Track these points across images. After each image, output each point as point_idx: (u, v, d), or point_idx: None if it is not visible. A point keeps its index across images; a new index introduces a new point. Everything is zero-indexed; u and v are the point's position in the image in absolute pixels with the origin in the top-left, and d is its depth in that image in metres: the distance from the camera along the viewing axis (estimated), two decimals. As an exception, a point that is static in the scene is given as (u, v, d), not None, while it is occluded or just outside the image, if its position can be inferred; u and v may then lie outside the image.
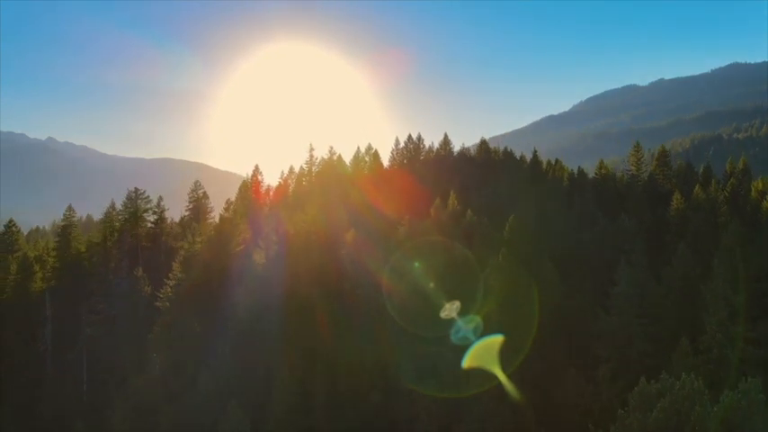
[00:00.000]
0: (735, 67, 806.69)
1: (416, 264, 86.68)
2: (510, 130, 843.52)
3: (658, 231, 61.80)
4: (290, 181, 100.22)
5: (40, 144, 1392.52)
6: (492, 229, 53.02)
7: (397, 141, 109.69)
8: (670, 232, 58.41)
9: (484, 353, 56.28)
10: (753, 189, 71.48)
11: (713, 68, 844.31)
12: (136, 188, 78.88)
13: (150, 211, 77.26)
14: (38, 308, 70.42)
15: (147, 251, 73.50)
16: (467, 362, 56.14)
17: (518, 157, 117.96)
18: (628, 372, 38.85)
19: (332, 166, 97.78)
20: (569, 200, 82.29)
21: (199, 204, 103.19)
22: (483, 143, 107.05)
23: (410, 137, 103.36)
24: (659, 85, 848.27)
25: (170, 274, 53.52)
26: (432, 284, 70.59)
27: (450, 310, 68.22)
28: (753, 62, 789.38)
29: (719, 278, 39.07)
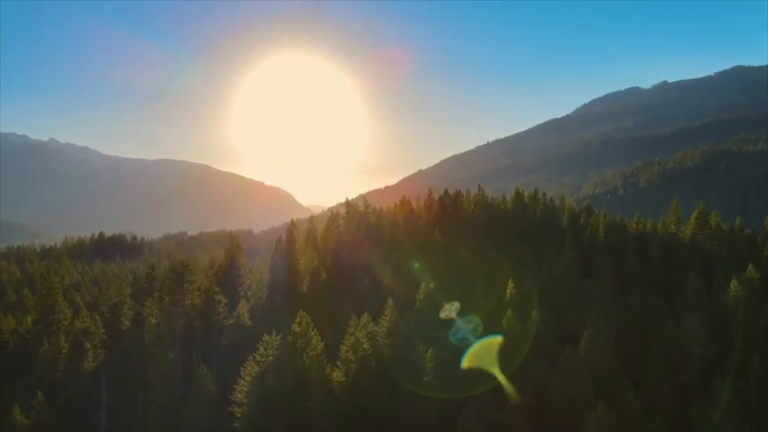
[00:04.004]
0: (738, 69, 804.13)
1: (416, 264, 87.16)
2: (513, 132, 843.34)
3: (719, 322, 61.56)
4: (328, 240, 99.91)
5: (42, 145, 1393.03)
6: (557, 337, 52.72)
7: (430, 193, 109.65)
8: (736, 335, 58.14)
9: (483, 353, 56.74)
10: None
11: (716, 71, 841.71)
12: (182, 262, 78.81)
13: (196, 286, 77.04)
14: (90, 388, 70.20)
15: (198, 330, 73.39)
16: (466, 362, 56.53)
17: (550, 198, 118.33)
18: None
19: (368, 224, 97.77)
20: (617, 267, 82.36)
21: (232, 257, 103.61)
22: (518, 194, 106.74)
23: (446, 192, 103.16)
24: (663, 88, 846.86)
25: (241, 381, 53.16)
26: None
27: (449, 310, 68.48)
28: (756, 65, 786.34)
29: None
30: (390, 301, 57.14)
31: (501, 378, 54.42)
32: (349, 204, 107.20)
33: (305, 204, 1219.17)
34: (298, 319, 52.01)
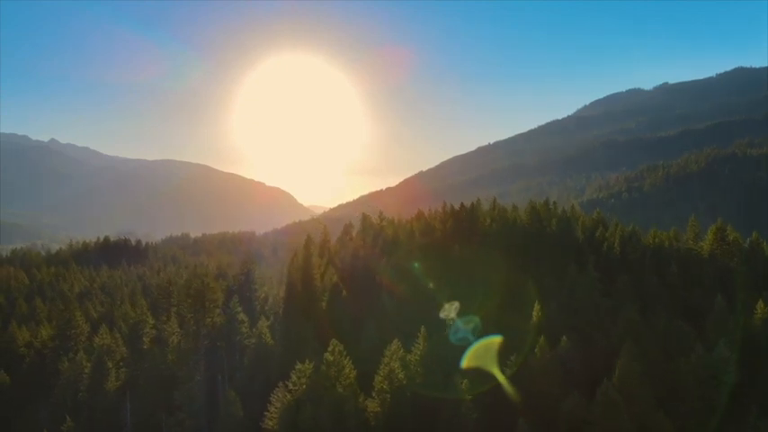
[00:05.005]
0: (739, 71, 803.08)
1: (416, 264, 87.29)
2: (513, 133, 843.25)
3: (747, 346, 61.42)
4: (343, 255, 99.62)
5: (43, 146, 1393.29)
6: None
7: (445, 205, 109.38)
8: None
9: (483, 353, 56.81)
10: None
11: (717, 72, 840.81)
12: (203, 280, 78.60)
13: (217, 305, 76.81)
14: (114, 409, 69.94)
15: (221, 350, 73.13)
16: (465, 362, 56.57)
17: (568, 211, 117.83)
18: None
19: (385, 238, 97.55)
20: (637, 284, 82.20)
21: (248, 270, 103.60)
22: (533, 208, 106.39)
23: (462, 205, 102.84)
24: (664, 90, 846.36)
25: (271, 408, 52.89)
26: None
27: (449, 310, 68.48)
28: (757, 66, 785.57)
29: None
30: (423, 330, 56.95)
31: (501, 378, 54.90)
32: (365, 217, 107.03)
33: (305, 205, 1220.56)
34: (330, 348, 51.76)
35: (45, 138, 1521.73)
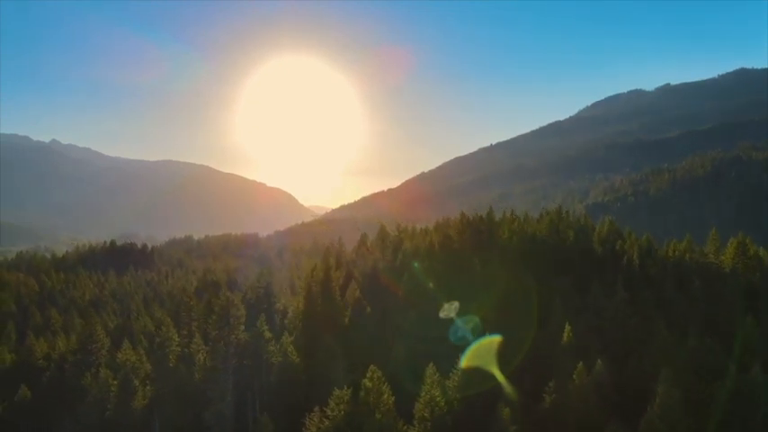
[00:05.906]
0: (742, 72, 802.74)
1: (416, 264, 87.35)
2: (515, 134, 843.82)
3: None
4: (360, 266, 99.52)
5: (44, 146, 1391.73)
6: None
7: (463, 215, 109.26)
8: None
9: (482, 353, 56.84)
10: None
11: (719, 73, 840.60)
12: (227, 296, 78.50)
13: (241, 321, 76.64)
14: (143, 427, 69.84)
15: (247, 368, 72.89)
16: (465, 361, 56.58)
17: (582, 221, 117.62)
18: None
19: (405, 251, 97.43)
20: (659, 301, 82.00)
21: (267, 283, 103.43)
22: (551, 220, 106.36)
23: (480, 217, 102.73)
24: (666, 91, 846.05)
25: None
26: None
27: (448, 310, 68.44)
28: (759, 67, 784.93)
29: None
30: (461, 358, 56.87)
31: (500, 378, 55.17)
32: (382, 227, 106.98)
33: (306, 205, 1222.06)
34: (369, 374, 51.63)
35: (46, 138, 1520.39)
